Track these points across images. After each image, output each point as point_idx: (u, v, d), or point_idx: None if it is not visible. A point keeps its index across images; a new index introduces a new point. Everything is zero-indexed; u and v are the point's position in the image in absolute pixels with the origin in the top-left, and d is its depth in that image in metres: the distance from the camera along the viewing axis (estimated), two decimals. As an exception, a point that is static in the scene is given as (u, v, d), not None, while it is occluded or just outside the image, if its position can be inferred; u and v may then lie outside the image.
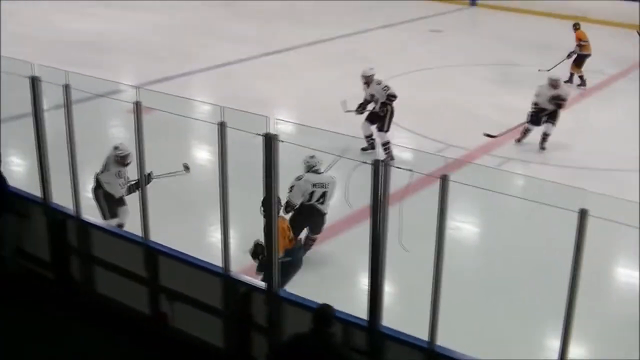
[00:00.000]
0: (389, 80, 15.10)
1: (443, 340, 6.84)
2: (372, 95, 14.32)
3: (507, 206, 11.44)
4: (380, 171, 6.54)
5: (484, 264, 10.97)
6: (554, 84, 15.47)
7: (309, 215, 10.34)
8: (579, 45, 20.66)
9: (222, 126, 7.41)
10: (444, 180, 6.22)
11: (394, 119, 14.38)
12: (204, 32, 24.65)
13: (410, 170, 6.56)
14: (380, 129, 14.36)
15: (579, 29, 20.91)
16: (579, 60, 20.64)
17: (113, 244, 9.02)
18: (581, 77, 20.58)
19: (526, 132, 15.64)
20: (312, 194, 10.24)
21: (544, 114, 15.43)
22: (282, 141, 7.12)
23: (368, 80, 14.36)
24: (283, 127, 14.08)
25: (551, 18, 28.25)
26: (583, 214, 5.71)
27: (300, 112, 17.11)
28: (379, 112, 14.29)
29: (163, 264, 8.56)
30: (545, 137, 15.51)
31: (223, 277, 7.95)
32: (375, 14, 28.80)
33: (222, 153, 7.55)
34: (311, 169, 10.37)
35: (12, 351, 8.57)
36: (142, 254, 8.62)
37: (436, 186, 6.35)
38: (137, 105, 8.09)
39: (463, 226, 11.82)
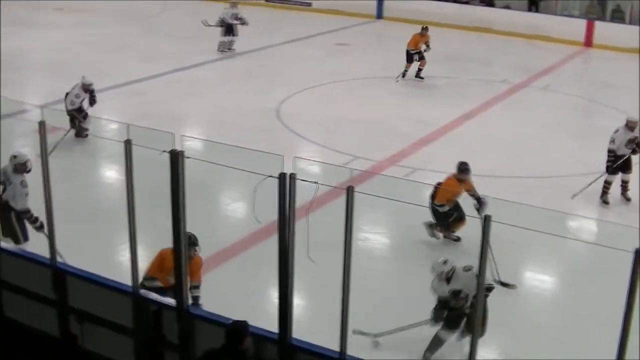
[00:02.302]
0: (295, 95, 15.04)
1: (353, 351, 6.93)
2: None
3: (416, 215, 11.67)
4: (287, 184, 6.61)
5: (394, 273, 11.11)
6: (632, 125, 13.67)
7: None
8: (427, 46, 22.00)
9: (128, 144, 7.38)
10: (350, 191, 6.30)
11: (302, 132, 14.46)
12: (114, 49, 24.37)
13: (315, 182, 6.61)
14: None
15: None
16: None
17: (19, 267, 8.88)
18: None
19: (607, 186, 13.93)
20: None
21: (622, 160, 13.69)
22: (188, 157, 7.12)
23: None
24: (191, 144, 14.16)
25: (455, 30, 28.74)
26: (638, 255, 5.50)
27: (210, 129, 17.08)
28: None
29: (71, 285, 8.46)
30: (625, 185, 14.04)
31: (133, 295, 7.91)
32: (280, 29, 28.89)
33: (128, 171, 7.52)
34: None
35: None
36: (49, 276, 8.50)
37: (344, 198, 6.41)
38: (42, 125, 8.00)
39: (372, 237, 11.97)
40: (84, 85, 15.64)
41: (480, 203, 11.35)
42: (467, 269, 8.79)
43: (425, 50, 21.84)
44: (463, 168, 11.78)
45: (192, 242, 8.78)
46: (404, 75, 21.73)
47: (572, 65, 25.92)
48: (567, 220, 12.80)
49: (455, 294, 8.78)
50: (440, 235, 12.08)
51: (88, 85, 15.69)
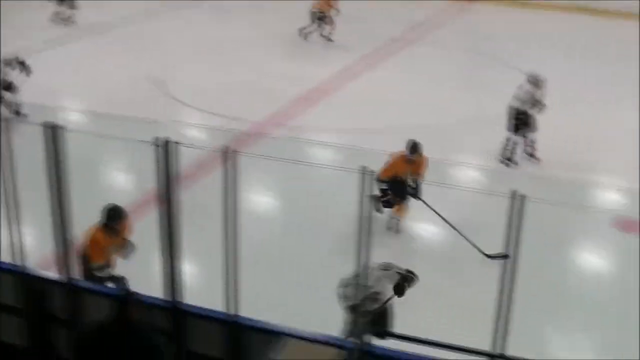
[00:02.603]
0: (174, 62, 14.72)
1: (245, 311, 6.94)
2: None
3: (306, 174, 11.72)
4: (168, 150, 6.52)
5: (282, 236, 11.14)
6: (534, 82, 13.55)
7: None
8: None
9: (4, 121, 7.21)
10: (226, 153, 6.25)
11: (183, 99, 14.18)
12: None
13: (193, 146, 6.56)
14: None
15: None
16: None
17: None
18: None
19: (509, 144, 13.75)
20: None
21: (524, 118, 13.48)
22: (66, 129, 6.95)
23: None
24: (67, 116, 13.87)
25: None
26: (515, 197, 5.31)
27: (84, 101, 16.64)
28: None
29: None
30: (532, 144, 13.74)
31: (17, 273, 7.76)
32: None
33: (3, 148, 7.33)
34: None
35: None
36: None
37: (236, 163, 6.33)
38: None
39: (262, 199, 11.97)
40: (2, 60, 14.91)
41: (411, 195, 10.96)
42: (384, 267, 8.02)
43: (334, 15, 21.82)
44: (411, 146, 11.01)
45: (115, 214, 8.90)
46: (305, 37, 21.77)
47: (456, 19, 26.24)
48: (452, 170, 13.07)
49: (373, 296, 7.79)
50: (385, 210, 11.22)
51: (8, 60, 14.98)
